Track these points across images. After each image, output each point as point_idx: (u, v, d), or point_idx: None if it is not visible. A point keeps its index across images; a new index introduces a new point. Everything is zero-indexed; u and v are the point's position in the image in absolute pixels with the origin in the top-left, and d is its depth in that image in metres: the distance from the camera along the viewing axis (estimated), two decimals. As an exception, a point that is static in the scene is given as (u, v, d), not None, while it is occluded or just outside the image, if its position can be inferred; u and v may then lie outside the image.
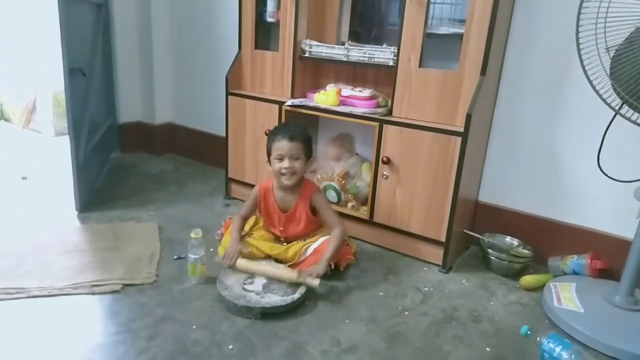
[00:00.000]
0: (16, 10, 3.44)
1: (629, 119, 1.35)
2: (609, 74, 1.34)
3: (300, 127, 1.75)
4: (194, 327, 1.41)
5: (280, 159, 1.69)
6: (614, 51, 1.32)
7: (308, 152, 1.74)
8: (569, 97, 1.77)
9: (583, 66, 1.36)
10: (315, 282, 1.55)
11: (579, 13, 1.33)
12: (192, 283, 1.64)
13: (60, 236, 1.90)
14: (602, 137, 1.53)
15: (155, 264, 1.74)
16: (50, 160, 2.89)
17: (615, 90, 1.35)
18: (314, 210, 1.79)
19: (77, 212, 2.14)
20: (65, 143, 2.10)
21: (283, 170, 1.69)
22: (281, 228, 1.81)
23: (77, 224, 2.05)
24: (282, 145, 1.68)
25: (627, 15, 1.28)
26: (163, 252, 1.84)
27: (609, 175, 1.58)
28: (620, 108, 1.36)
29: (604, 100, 1.37)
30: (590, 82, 1.37)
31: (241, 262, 1.64)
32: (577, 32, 1.34)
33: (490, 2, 1.61)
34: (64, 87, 1.99)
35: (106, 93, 2.85)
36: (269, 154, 1.75)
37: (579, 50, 1.35)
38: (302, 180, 1.78)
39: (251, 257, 1.73)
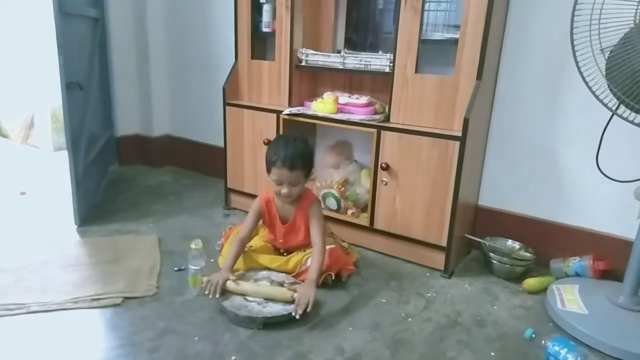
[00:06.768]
0: (12, 27, 3.46)
1: (626, 119, 1.35)
2: (604, 74, 1.35)
3: (300, 148, 1.67)
4: (196, 339, 1.40)
5: (280, 184, 1.67)
6: (609, 52, 1.33)
7: (308, 173, 1.72)
8: (566, 99, 1.78)
9: (579, 67, 1.37)
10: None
11: (573, 15, 1.35)
12: (193, 294, 1.63)
13: (60, 250, 1.89)
14: (600, 138, 1.54)
15: (156, 276, 1.73)
16: (49, 175, 2.88)
17: (611, 90, 1.35)
18: None
19: (76, 226, 2.13)
20: (64, 158, 2.10)
21: (282, 194, 1.68)
22: (281, 240, 1.80)
23: (77, 238, 2.04)
24: (282, 172, 1.64)
25: (620, 16, 1.29)
26: (163, 264, 1.83)
27: (608, 175, 1.58)
28: (617, 108, 1.37)
29: (601, 101, 1.37)
30: (586, 83, 1.37)
31: (231, 285, 1.58)
32: (572, 33, 1.35)
33: (485, 7, 1.62)
34: (61, 102, 1.99)
35: (104, 106, 2.85)
36: (268, 169, 1.70)
37: (574, 51, 1.36)
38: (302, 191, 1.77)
39: (251, 268, 1.72)
